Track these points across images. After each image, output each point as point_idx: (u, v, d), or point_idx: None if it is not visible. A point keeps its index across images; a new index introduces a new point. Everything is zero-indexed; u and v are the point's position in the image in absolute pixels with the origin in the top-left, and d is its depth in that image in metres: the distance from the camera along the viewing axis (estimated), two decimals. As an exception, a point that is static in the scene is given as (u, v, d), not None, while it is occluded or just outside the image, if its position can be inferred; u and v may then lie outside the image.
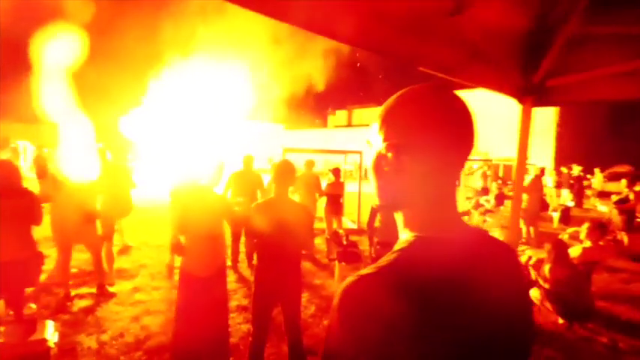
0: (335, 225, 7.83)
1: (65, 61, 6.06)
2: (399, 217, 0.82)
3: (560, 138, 23.60)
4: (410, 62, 1.50)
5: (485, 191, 12.17)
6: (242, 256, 6.31)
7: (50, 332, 2.72)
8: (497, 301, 0.74)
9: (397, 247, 0.75)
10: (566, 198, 14.90)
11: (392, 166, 0.77)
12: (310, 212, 3.19)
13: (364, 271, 0.69)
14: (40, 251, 3.70)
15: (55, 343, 2.69)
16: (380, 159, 0.79)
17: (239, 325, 4.19)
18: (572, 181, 15.53)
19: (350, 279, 0.68)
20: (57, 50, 5.99)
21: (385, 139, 0.78)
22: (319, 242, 7.63)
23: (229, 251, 6.16)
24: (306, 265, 6.35)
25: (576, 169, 15.36)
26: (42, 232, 4.04)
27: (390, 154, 0.76)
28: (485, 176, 14.63)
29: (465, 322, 0.68)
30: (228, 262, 6.04)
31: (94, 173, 5.05)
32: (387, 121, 0.79)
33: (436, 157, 0.75)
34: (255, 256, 3.13)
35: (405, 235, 0.78)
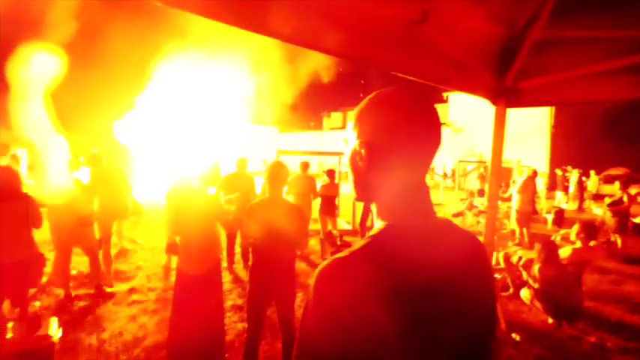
0: (330, 226, 7.92)
1: (58, 69, 6.12)
2: (373, 208, 0.90)
3: (555, 139, 23.66)
4: (384, 69, 1.59)
5: (482, 193, 12.22)
6: (237, 257, 6.39)
7: (54, 329, 2.83)
8: (460, 284, 0.82)
9: (370, 233, 0.83)
10: (561, 200, 15.01)
11: (364, 162, 0.86)
12: (303, 213, 3.28)
13: (338, 255, 0.77)
14: (41, 253, 3.80)
15: (58, 340, 2.80)
16: (354, 155, 0.88)
17: (234, 324, 4.28)
18: (566, 183, 15.64)
19: (325, 262, 0.76)
20: (49, 59, 6.06)
21: (358, 137, 0.87)
22: (314, 243, 7.72)
23: (225, 253, 6.25)
24: (301, 265, 6.43)
25: (576, 173, 15.42)
26: (40, 235, 4.14)
27: (362, 151, 0.85)
28: (483, 178, 14.64)
29: (430, 303, 0.76)
30: (225, 264, 6.13)
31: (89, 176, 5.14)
32: (360, 121, 0.88)
33: (403, 153, 0.83)
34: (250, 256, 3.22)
35: (378, 224, 0.87)
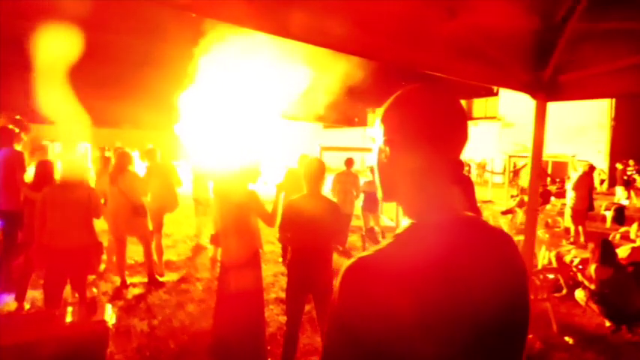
0: (372, 222, 7.90)
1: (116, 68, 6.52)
2: (400, 207, 0.91)
3: (616, 133, 22.01)
4: (415, 67, 1.57)
5: (545, 196, 11.05)
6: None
7: (109, 315, 3.05)
8: (487, 282, 0.79)
9: (395, 232, 0.83)
10: (621, 196, 13.96)
11: (389, 160, 0.86)
12: (340, 209, 3.30)
13: (364, 253, 0.77)
14: (100, 241, 4.11)
15: (112, 325, 3.01)
16: (380, 153, 0.89)
17: (277, 317, 4.40)
18: (625, 177, 14.52)
19: (351, 260, 0.77)
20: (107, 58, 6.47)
21: (384, 135, 0.87)
22: (356, 239, 7.72)
23: (278, 246, 6.40)
24: (342, 260, 6.46)
25: None
26: (98, 225, 4.46)
27: (387, 149, 0.86)
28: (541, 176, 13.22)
29: (451, 304, 0.74)
30: (280, 258, 6.28)
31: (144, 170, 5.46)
32: (386, 119, 0.88)
33: (426, 150, 0.83)
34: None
35: (404, 222, 0.86)
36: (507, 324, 0.83)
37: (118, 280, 5.21)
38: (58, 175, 4.25)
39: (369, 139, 0.94)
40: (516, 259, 0.89)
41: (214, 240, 3.37)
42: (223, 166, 3.47)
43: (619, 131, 21.90)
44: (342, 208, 3.41)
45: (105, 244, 4.61)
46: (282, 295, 4.94)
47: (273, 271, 5.91)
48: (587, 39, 1.72)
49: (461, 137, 0.86)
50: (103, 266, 5.41)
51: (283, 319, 4.24)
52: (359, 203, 7.97)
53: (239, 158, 3.46)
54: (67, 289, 3.87)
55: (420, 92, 0.87)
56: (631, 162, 14.96)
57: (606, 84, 1.86)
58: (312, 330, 3.93)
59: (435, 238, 0.79)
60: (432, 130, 0.83)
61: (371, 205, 7.90)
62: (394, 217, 9.74)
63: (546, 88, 1.91)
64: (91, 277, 4.79)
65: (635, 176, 14.57)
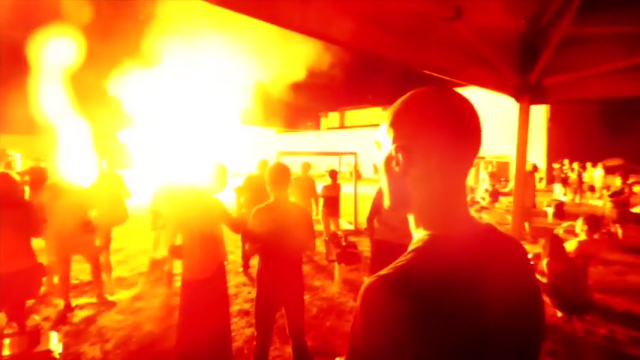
0: (332, 227, 7.88)
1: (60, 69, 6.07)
2: (410, 218, 0.84)
3: (552, 133, 23.79)
4: (409, 65, 1.55)
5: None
6: (253, 261, 6.32)
7: (54, 343, 2.72)
8: (509, 294, 0.77)
9: (412, 246, 0.78)
10: (559, 193, 15.05)
11: (402, 167, 0.79)
12: (310, 214, 3.21)
13: (383, 271, 0.71)
14: (40, 262, 3.70)
15: (59, 354, 2.69)
16: (389, 160, 0.82)
17: (242, 329, 4.19)
18: (562, 175, 15.71)
19: (370, 279, 0.71)
20: (53, 59, 6.00)
21: (394, 141, 0.81)
22: (318, 244, 7.64)
23: (237, 255, 6.18)
24: (306, 267, 6.36)
25: (575, 166, 15.50)
26: (35, 243, 4.04)
27: (399, 155, 0.79)
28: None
29: (478, 318, 0.71)
30: (240, 268, 6.06)
31: (89, 181, 5.05)
32: (395, 124, 0.81)
33: (443, 156, 0.78)
34: (251, 261, 3.13)
35: (418, 235, 0.81)
36: (531, 334, 0.82)
37: (61, 303, 4.72)
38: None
39: (374, 144, 0.87)
40: (531, 269, 0.88)
41: (174, 251, 3.12)
42: (187, 176, 3.26)
43: (554, 132, 23.70)
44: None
45: (44, 263, 4.17)
46: (246, 306, 4.76)
47: (235, 282, 5.67)
48: (573, 43, 1.77)
49: (477, 142, 0.81)
50: (43, 288, 4.91)
51: (249, 331, 4.07)
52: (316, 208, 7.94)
53: (203, 167, 3.27)
54: (2, 318, 3.45)
55: (435, 94, 0.81)
56: (566, 161, 16.20)
57: (591, 87, 1.93)
58: (281, 341, 3.78)
59: (459, 252, 0.75)
60: (449, 135, 0.77)
61: (331, 209, 7.88)
62: (353, 221, 9.81)
63: (531, 92, 1.95)
64: (30, 302, 4.33)
65: (570, 174, 15.78)
